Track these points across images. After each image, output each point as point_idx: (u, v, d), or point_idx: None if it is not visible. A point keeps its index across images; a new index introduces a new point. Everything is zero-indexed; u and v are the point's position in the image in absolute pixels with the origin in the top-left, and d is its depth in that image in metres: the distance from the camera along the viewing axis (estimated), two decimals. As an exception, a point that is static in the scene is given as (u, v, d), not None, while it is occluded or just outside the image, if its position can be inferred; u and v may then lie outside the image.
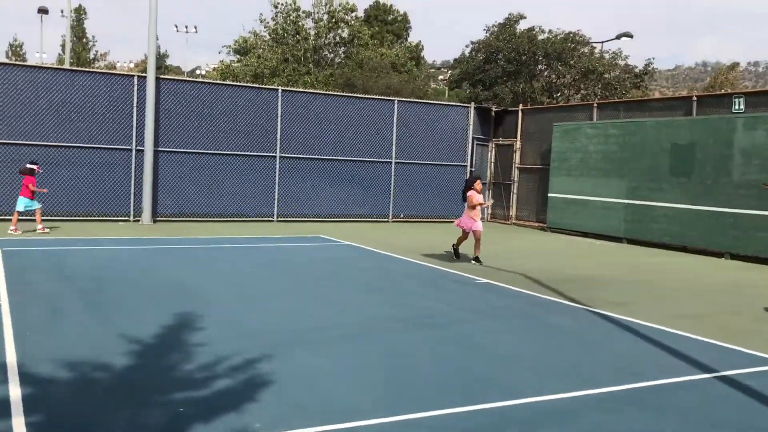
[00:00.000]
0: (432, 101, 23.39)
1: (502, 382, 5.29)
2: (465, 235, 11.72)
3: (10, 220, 13.57)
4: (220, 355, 5.58)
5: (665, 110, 16.47)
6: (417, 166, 19.27)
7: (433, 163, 19.58)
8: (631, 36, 30.18)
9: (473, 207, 11.53)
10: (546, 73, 30.71)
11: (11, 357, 5.33)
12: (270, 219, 17.54)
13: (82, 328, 6.39)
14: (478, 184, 11.66)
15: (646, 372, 5.68)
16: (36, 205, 13.25)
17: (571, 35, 29.65)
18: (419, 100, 22.09)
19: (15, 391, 4.58)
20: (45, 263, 9.78)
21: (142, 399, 4.60)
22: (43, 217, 13.45)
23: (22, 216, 13.40)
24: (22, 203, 13.08)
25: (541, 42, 29.46)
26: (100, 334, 6.16)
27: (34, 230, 13.22)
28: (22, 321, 6.45)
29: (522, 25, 30.94)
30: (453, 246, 12.04)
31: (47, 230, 13.29)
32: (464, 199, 11.73)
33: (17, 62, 22.28)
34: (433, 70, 56.13)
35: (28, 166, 13.26)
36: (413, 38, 50.57)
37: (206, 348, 5.79)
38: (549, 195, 18.36)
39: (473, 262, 11.51)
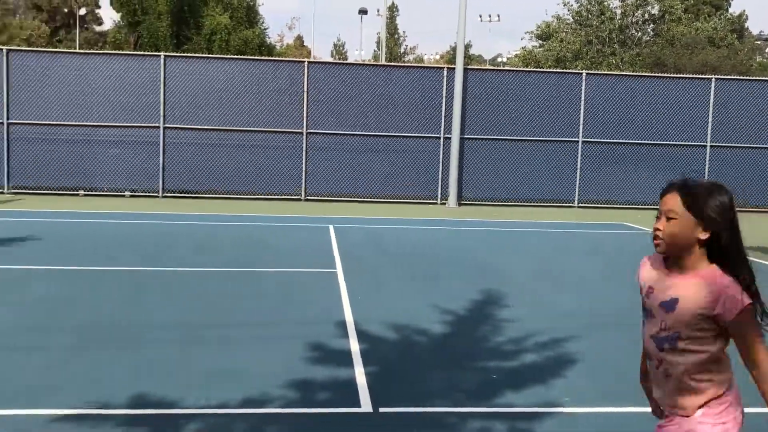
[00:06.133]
0: (758, 77, 21.05)
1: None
2: None
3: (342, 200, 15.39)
4: (527, 331, 5.87)
5: None
6: (737, 149, 17.55)
7: (762, 146, 17.62)
8: None
9: None
10: None
11: (349, 316, 6.22)
12: (571, 204, 17.43)
13: (402, 297, 7.16)
14: None
15: None
16: None
17: None
18: (741, 77, 20.03)
19: (354, 345, 5.38)
20: (368, 240, 11.01)
21: (458, 363, 5.07)
22: (363, 199, 15.00)
23: None
24: None
25: None
26: (417, 304, 6.86)
27: None
28: (354, 287, 7.43)
29: None
30: None
31: None
32: None
33: (341, 61, 24.92)
34: (759, 42, 50.15)
35: None
36: (735, 8, 45.70)
37: (514, 324, 6.13)
38: None
39: None
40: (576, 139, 17.29)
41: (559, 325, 6.12)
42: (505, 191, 17.30)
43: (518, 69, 19.36)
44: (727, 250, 2.21)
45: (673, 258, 2.30)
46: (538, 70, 19.20)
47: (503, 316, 6.39)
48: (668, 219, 2.24)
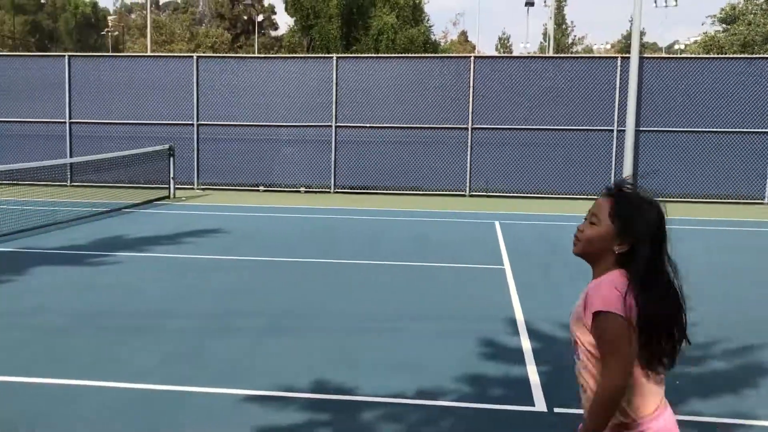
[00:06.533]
0: None
1: None
2: None
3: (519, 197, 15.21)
4: (713, 336, 5.50)
5: None
6: None
7: None
8: None
9: None
10: None
11: (519, 314, 6.14)
12: (760, 201, 16.00)
13: (573, 296, 6.91)
14: None
15: None
16: None
17: None
18: None
19: (525, 343, 5.31)
20: (536, 236, 10.80)
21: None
22: (529, 195, 14.69)
23: None
24: None
25: None
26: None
27: None
28: (523, 284, 7.32)
29: None
30: None
31: None
32: None
33: (506, 54, 24.53)
34: None
35: None
36: None
37: (697, 327, 5.67)
38: None
39: None
40: (766, 130, 15.86)
41: (749, 331, 5.66)
42: (684, 186, 16.22)
43: (699, 56, 18.07)
44: (638, 266, 2.07)
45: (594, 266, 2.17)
46: (723, 56, 17.78)
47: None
48: (591, 223, 2.16)
